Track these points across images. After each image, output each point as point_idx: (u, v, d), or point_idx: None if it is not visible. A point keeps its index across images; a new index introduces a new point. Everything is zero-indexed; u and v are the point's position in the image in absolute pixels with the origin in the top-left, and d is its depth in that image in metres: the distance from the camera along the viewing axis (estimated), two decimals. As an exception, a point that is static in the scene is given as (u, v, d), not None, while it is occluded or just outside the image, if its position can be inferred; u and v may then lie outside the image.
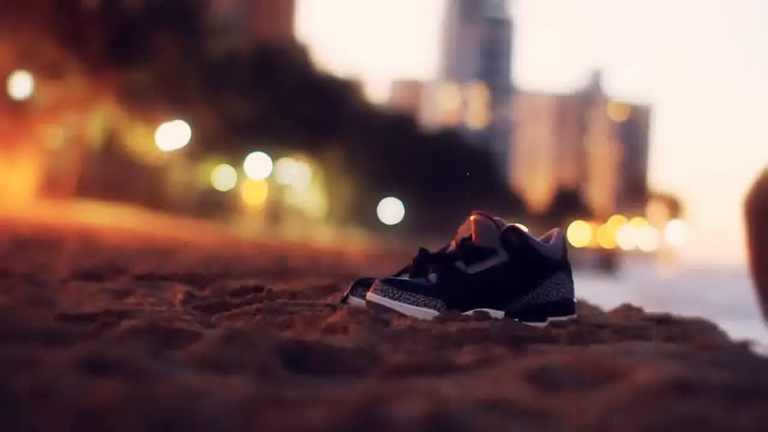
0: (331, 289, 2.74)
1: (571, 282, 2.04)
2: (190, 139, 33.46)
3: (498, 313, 1.94)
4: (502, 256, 1.98)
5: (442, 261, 1.99)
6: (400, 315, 1.89)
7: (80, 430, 0.84)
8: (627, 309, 2.24)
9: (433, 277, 1.98)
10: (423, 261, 2.04)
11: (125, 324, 1.48)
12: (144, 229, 18.68)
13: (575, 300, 2.05)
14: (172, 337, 1.44)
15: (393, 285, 1.95)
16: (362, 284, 2.05)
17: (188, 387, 0.95)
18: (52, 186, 28.54)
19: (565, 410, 1.00)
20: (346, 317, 1.65)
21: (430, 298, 1.93)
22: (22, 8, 25.18)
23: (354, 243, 35.99)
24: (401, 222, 54.58)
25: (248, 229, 36.38)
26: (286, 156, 42.82)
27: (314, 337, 1.54)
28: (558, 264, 2.01)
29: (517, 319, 1.91)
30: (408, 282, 1.96)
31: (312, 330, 1.67)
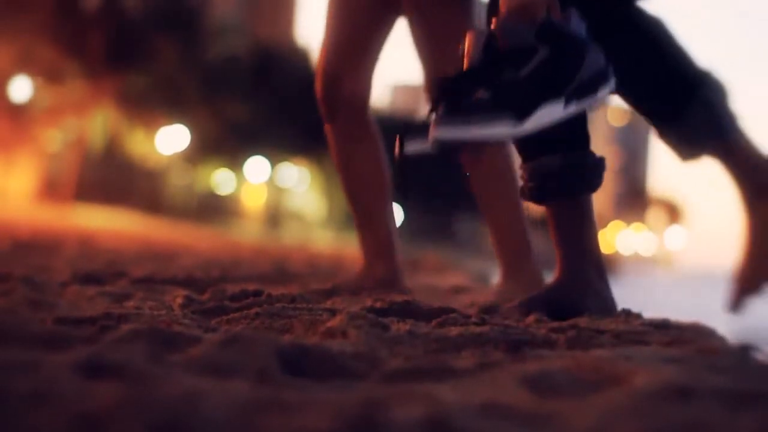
0: (331, 293, 2.74)
1: (598, 50, 2.07)
2: (190, 143, 33.48)
3: (572, 105, 1.99)
4: (543, 52, 1.99)
5: (486, 75, 1.97)
6: (474, 142, 1.89)
7: (79, 433, 0.84)
8: (626, 314, 2.24)
9: (484, 94, 1.95)
10: (442, 90, 1.98)
11: (124, 327, 1.48)
12: (143, 232, 18.66)
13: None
14: (172, 340, 1.44)
15: (456, 114, 1.90)
16: (410, 132, 1.97)
17: (187, 390, 0.95)
18: (51, 189, 28.56)
19: (564, 415, 1.00)
20: (346, 321, 1.65)
21: (495, 113, 1.92)
22: (22, 12, 25.20)
23: (353, 247, 35.95)
24: (401, 226, 54.56)
25: (247, 232, 36.37)
26: (286, 160, 42.84)
27: (313, 341, 1.54)
28: (587, 39, 2.05)
29: (574, 102, 1.98)
30: (467, 105, 1.92)
31: (311, 334, 1.67)
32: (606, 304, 2.30)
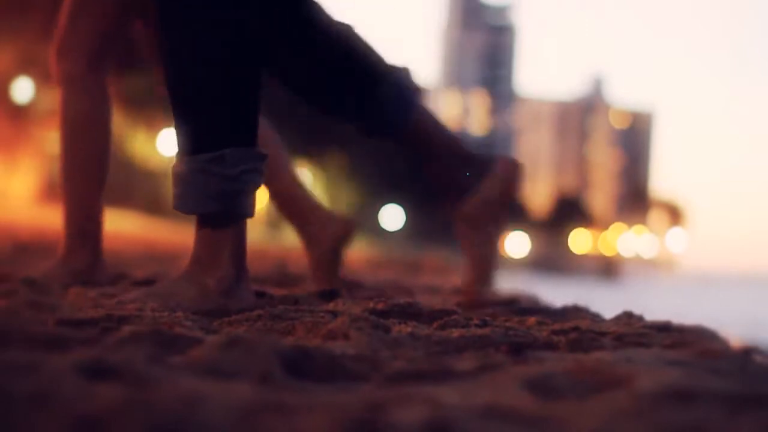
0: (332, 295, 2.73)
1: None
2: (191, 145, 33.48)
3: None
4: None
5: None
6: None
7: (80, 435, 0.84)
8: (627, 316, 2.24)
9: None
10: None
11: (126, 329, 1.48)
12: (144, 233, 18.66)
13: None
14: (173, 342, 1.44)
15: None
16: None
17: (188, 392, 0.95)
18: (52, 190, 28.56)
19: (566, 417, 1.00)
20: (347, 323, 1.65)
21: None
22: (24, 13, 25.22)
23: (354, 249, 35.94)
24: (402, 228, 54.58)
25: (248, 234, 36.33)
26: (287, 162, 42.80)
27: (315, 343, 1.54)
28: None
29: None
30: None
31: (313, 336, 1.67)
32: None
